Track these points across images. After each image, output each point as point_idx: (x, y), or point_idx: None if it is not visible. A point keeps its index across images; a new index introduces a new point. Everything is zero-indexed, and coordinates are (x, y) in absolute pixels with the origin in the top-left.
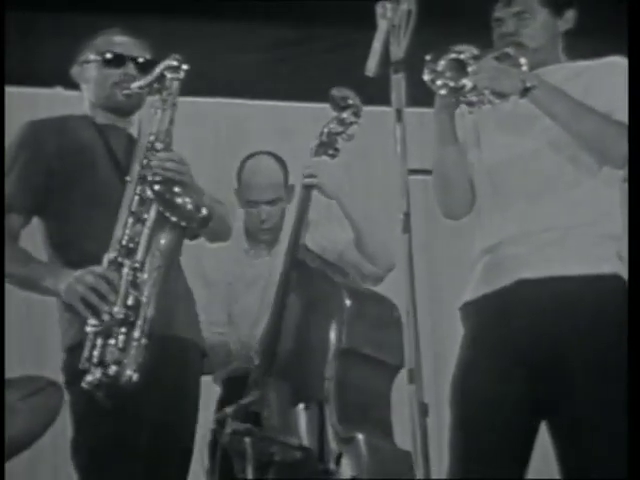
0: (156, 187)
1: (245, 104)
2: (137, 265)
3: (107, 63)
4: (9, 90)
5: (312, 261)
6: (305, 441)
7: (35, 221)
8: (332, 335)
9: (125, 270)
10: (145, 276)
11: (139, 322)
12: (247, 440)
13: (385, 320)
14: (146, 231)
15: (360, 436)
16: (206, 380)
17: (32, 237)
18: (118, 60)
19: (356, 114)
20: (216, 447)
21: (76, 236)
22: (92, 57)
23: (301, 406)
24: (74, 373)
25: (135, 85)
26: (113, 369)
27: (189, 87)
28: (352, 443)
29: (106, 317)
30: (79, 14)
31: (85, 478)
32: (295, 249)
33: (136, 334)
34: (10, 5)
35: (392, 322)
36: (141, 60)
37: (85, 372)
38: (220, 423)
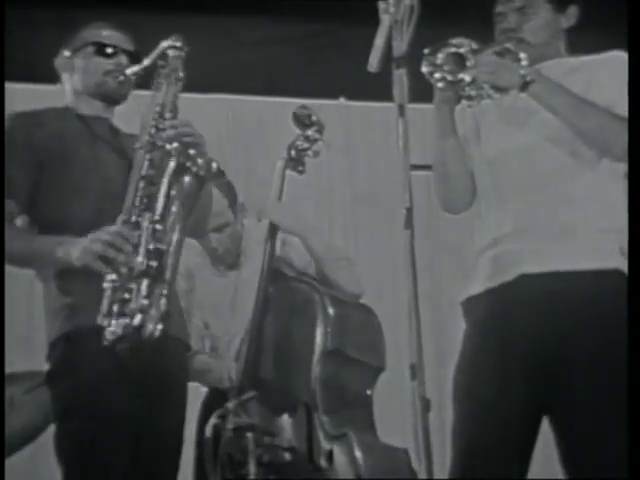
0: (175, 144)
1: (246, 100)
2: (157, 217)
3: (98, 53)
4: (10, 86)
5: (289, 270)
6: (294, 443)
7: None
8: (317, 338)
9: (145, 223)
10: (165, 226)
11: (161, 273)
12: (249, 435)
13: (367, 325)
14: (165, 182)
15: (351, 432)
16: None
17: None
18: (109, 51)
19: (319, 131)
20: (218, 443)
21: (64, 227)
22: (81, 48)
23: (288, 409)
24: (57, 366)
25: (130, 71)
26: (138, 318)
27: (190, 83)
28: (344, 439)
29: (124, 270)
30: (80, 10)
31: (68, 471)
32: (271, 260)
33: (158, 285)
34: (12, 1)
35: (373, 327)
36: (131, 52)
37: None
38: (222, 418)
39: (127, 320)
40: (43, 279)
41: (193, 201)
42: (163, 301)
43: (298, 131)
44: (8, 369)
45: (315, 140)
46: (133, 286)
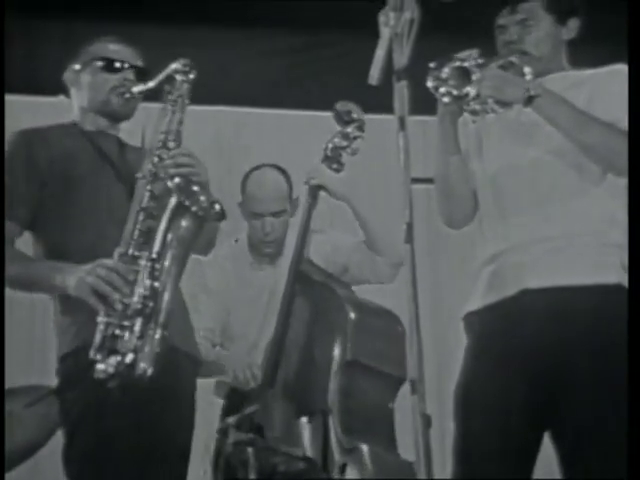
0: (177, 180)
1: (248, 112)
2: (154, 256)
3: (104, 69)
4: (11, 98)
5: (316, 274)
6: (308, 452)
7: (26, 235)
8: (336, 347)
9: (142, 261)
10: (162, 266)
11: (156, 313)
12: (250, 450)
13: (389, 333)
14: (164, 221)
15: (364, 446)
16: (204, 388)
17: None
18: (116, 66)
19: (360, 128)
20: (219, 457)
21: (70, 245)
22: (88, 63)
23: (305, 418)
24: (67, 381)
25: (137, 89)
26: (130, 357)
27: (192, 95)
28: (356, 453)
29: (119, 307)
30: (81, 22)
31: None
32: (299, 261)
33: (152, 325)
34: (12, 12)
35: (396, 335)
36: (138, 67)
37: (94, 363)
38: (223, 433)
39: (119, 358)
40: (52, 295)
41: (192, 241)
42: (157, 342)
43: (338, 128)
44: (8, 384)
45: (354, 138)
46: (127, 323)
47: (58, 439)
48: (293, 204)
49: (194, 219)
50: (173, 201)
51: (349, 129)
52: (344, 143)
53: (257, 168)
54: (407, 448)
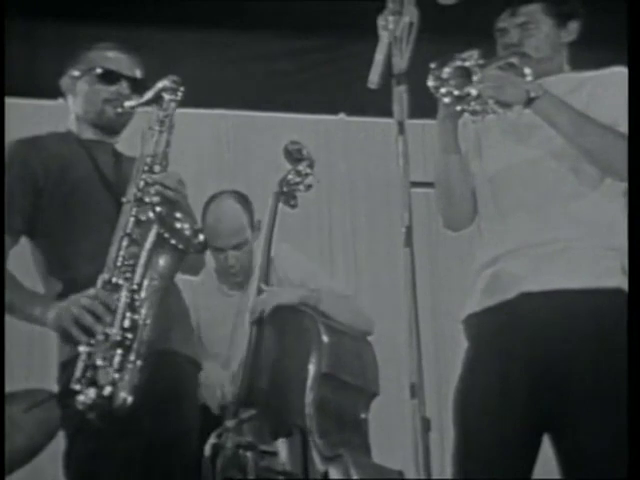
0: (158, 209)
1: (247, 115)
2: (135, 287)
3: (100, 79)
4: (11, 101)
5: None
6: (288, 466)
7: (24, 241)
8: (311, 363)
9: (123, 292)
10: (142, 297)
11: (135, 344)
12: (249, 454)
13: (360, 351)
14: (144, 253)
15: (346, 453)
16: None
17: (20, 257)
18: (112, 77)
19: (310, 166)
20: (216, 461)
21: (68, 254)
22: (84, 71)
23: (283, 432)
24: (67, 388)
25: (128, 104)
26: (108, 390)
27: (190, 98)
28: (339, 460)
29: (100, 337)
30: (82, 24)
31: None
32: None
33: (132, 356)
34: (12, 16)
35: (367, 354)
36: (135, 79)
37: (77, 392)
38: (221, 437)
39: (97, 390)
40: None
41: (173, 272)
42: (136, 372)
43: (289, 166)
44: (8, 388)
45: (306, 175)
46: (107, 354)
47: (58, 443)
48: (255, 228)
49: (174, 252)
50: (153, 233)
51: (300, 167)
52: (297, 179)
53: (214, 198)
54: (406, 452)
